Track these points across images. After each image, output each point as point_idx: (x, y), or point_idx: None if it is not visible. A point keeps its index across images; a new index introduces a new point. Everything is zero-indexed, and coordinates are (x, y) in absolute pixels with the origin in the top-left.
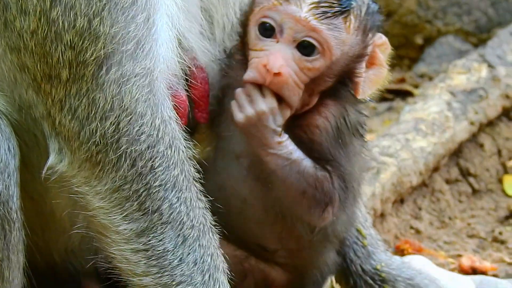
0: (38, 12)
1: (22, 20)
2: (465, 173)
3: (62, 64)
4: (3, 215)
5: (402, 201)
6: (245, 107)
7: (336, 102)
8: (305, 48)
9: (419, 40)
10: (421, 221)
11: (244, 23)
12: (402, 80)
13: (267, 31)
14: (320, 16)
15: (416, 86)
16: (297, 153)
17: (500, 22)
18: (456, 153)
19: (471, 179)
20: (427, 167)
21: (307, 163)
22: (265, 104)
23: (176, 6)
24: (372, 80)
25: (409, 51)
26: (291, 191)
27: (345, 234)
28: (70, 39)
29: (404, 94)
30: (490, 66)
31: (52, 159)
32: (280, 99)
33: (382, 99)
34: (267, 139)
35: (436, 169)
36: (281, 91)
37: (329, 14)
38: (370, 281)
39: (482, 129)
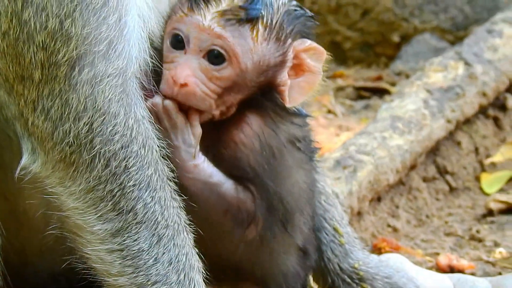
0: (9, 13)
1: None
2: (442, 171)
3: (34, 65)
4: None
5: (379, 199)
6: (159, 122)
7: (259, 114)
8: (211, 57)
9: (395, 38)
10: (398, 219)
11: (162, 38)
12: (379, 78)
13: (178, 43)
14: (224, 24)
15: (393, 84)
16: (216, 177)
17: (476, 20)
18: (433, 151)
19: (448, 177)
20: (404, 165)
21: (227, 185)
22: (170, 123)
23: (148, 7)
24: (303, 87)
25: (385, 49)
26: (213, 212)
27: (302, 242)
28: (42, 40)
29: (381, 92)
30: (467, 63)
31: (25, 159)
32: (195, 116)
33: (358, 97)
34: (182, 161)
35: (413, 167)
36: (189, 102)
37: (233, 22)
38: (348, 280)
39: (459, 127)
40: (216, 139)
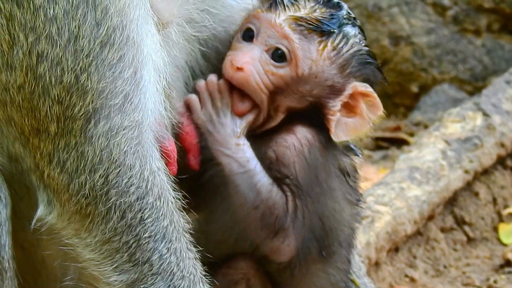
0: (24, 67)
1: (8, 74)
2: (460, 222)
3: (50, 119)
4: None
5: (396, 249)
6: (205, 102)
7: (311, 130)
8: (274, 54)
9: (414, 88)
10: (416, 269)
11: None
12: (398, 128)
13: (248, 36)
14: (295, 27)
15: (412, 135)
16: (254, 163)
17: (495, 71)
18: (451, 202)
19: (466, 228)
20: (422, 215)
21: (264, 179)
22: (221, 101)
23: (163, 61)
24: (349, 128)
25: (404, 99)
26: (244, 203)
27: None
28: (57, 94)
29: (400, 143)
30: (485, 114)
31: (41, 210)
32: (247, 105)
33: (377, 147)
34: (224, 137)
35: (431, 217)
36: (242, 87)
37: (304, 29)
38: None
39: (477, 177)
40: (263, 144)
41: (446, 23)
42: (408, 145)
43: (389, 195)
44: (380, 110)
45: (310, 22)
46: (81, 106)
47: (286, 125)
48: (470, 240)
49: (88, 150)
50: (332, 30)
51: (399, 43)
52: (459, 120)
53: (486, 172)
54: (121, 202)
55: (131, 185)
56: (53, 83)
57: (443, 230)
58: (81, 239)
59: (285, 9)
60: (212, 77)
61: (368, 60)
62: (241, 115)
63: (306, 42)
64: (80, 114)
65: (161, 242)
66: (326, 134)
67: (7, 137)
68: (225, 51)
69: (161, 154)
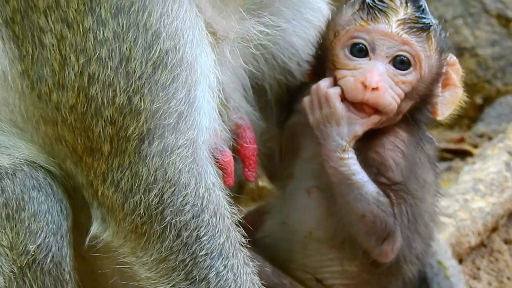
0: (76, 88)
1: (60, 94)
2: None
3: (103, 139)
4: (57, 276)
5: (460, 261)
6: (314, 108)
7: (406, 128)
8: (398, 63)
9: (478, 100)
10: (479, 281)
11: (326, 48)
12: (462, 140)
13: (358, 51)
14: (408, 31)
15: (476, 146)
16: (360, 175)
17: None
18: None
19: None
20: (486, 227)
21: (370, 187)
22: (329, 110)
23: (217, 80)
24: (448, 100)
25: (468, 111)
26: (351, 212)
27: (411, 272)
28: (110, 115)
29: (464, 154)
30: None
31: (95, 228)
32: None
33: (441, 158)
34: (329, 149)
35: (494, 229)
36: (378, 106)
37: (414, 30)
38: None
39: None
40: (366, 144)
41: (510, 35)
42: (472, 157)
43: (453, 206)
44: (460, 69)
45: (415, 21)
46: (135, 126)
47: (392, 128)
48: None
49: (142, 170)
50: (430, 23)
51: (463, 55)
52: None
53: None
54: (176, 221)
55: (186, 204)
56: (105, 104)
57: (507, 241)
58: (137, 258)
59: (388, 15)
60: (324, 83)
61: (443, 32)
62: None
63: (421, 41)
64: (134, 134)
65: (218, 259)
66: (417, 127)
67: (57, 154)
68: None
69: (217, 166)
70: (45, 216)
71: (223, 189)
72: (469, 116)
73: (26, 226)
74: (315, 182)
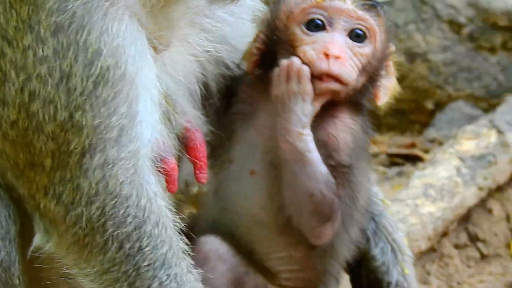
0: (17, 104)
1: (1, 109)
2: (474, 238)
3: (45, 154)
4: (6, 281)
5: None
6: (281, 82)
7: (358, 113)
8: (355, 36)
9: (429, 105)
10: (430, 286)
11: (280, 31)
12: (413, 145)
13: (315, 26)
14: (362, 8)
15: (426, 151)
16: (315, 154)
17: (510, 88)
18: (465, 218)
19: (480, 244)
20: (436, 232)
21: (322, 166)
22: (298, 86)
23: (159, 92)
24: (387, 88)
25: (419, 116)
26: (300, 190)
27: (348, 255)
28: (51, 131)
29: (414, 159)
30: (500, 132)
31: (38, 238)
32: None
33: (392, 164)
34: (289, 125)
35: (445, 234)
36: (341, 75)
37: (367, 6)
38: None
39: (491, 194)
40: (317, 125)
41: (461, 41)
42: (423, 162)
43: (404, 211)
44: (393, 57)
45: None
46: (77, 141)
47: (332, 108)
48: (483, 256)
49: (84, 183)
50: (378, 3)
51: (415, 60)
52: (474, 137)
53: (500, 189)
54: (118, 232)
55: (128, 215)
56: (46, 120)
57: (457, 246)
58: (80, 269)
59: None
60: (297, 59)
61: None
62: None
63: (373, 16)
64: (76, 149)
65: (161, 269)
66: (361, 114)
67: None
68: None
69: (162, 173)
70: None
71: (165, 198)
72: (420, 121)
73: None
74: (258, 163)
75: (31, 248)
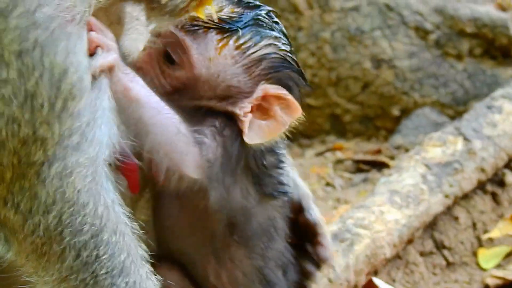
0: None
1: None
2: (440, 246)
3: (6, 167)
4: None
5: (376, 273)
6: None
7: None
8: (166, 55)
9: (395, 112)
10: None
11: None
12: (378, 152)
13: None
14: (188, 29)
15: (392, 158)
16: (142, 91)
17: (476, 95)
18: (431, 226)
19: (446, 252)
20: (401, 239)
21: (168, 114)
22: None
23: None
24: (262, 130)
25: (385, 122)
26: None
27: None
28: (13, 147)
29: (380, 166)
30: (466, 139)
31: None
32: None
33: (357, 170)
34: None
35: (410, 241)
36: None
37: (199, 28)
38: None
39: (457, 202)
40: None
41: (428, 47)
42: (389, 169)
43: (369, 218)
44: (297, 112)
45: (208, 21)
46: (39, 154)
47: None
48: (449, 264)
49: (41, 192)
50: (234, 29)
51: (381, 66)
52: (440, 144)
53: (466, 196)
54: (75, 241)
55: (85, 224)
56: (9, 137)
57: (422, 254)
58: (39, 277)
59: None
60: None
61: (283, 65)
62: None
63: (202, 41)
64: (37, 160)
65: (119, 277)
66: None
67: None
68: None
69: (122, 175)
70: None
71: (123, 205)
72: (386, 127)
73: None
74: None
75: None
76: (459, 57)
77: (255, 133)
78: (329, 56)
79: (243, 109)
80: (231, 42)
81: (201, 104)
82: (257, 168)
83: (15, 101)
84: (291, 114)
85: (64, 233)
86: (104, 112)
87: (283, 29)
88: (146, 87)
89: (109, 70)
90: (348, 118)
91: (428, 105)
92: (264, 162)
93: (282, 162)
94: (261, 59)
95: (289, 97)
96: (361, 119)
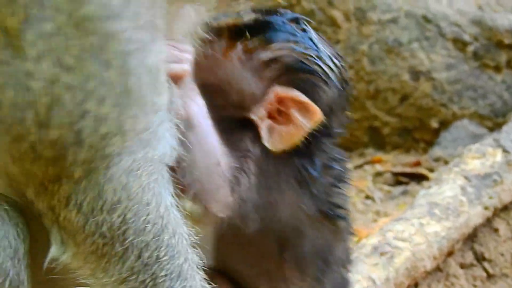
0: (65, 123)
1: (42, 133)
2: (480, 258)
3: (77, 164)
4: None
5: (416, 285)
6: None
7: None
8: None
9: (434, 124)
10: None
11: None
12: (417, 164)
13: None
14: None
15: (431, 170)
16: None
17: None
18: (471, 238)
19: (486, 264)
20: (441, 251)
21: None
22: None
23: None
24: (283, 136)
25: (424, 134)
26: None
27: None
28: (91, 142)
29: (419, 178)
30: (505, 151)
31: (54, 250)
32: None
33: (397, 182)
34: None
35: (450, 253)
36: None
37: (209, 35)
38: None
39: (497, 213)
40: None
41: (466, 59)
42: (428, 181)
43: (409, 230)
44: (317, 115)
45: (218, 29)
46: (114, 147)
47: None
48: (489, 276)
49: (108, 189)
50: (242, 32)
51: (419, 78)
52: (479, 156)
53: (505, 208)
54: (138, 241)
55: (148, 223)
56: (90, 134)
57: (462, 266)
58: (97, 279)
59: None
60: None
61: (300, 67)
62: None
63: (210, 47)
64: (113, 153)
65: (177, 281)
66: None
67: (17, 185)
68: None
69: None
70: (1, 242)
71: (179, 210)
72: (425, 139)
73: None
74: None
75: (47, 260)
76: (497, 68)
77: (276, 139)
78: (367, 69)
79: (258, 114)
80: (238, 45)
81: (222, 114)
82: (306, 181)
83: (109, 100)
84: (310, 117)
85: (127, 233)
86: (170, 114)
87: (313, 36)
88: (203, 109)
89: (178, 79)
90: (387, 131)
91: (466, 117)
92: (314, 174)
93: (341, 181)
94: (271, 60)
95: (305, 99)
96: (399, 131)
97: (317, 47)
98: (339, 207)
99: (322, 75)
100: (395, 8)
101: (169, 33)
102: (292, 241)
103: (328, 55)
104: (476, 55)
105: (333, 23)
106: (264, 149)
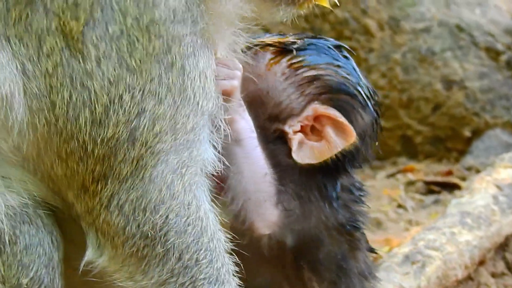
0: (120, 122)
1: (95, 131)
2: (511, 267)
3: (126, 161)
4: None
5: None
6: None
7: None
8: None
9: (466, 133)
10: None
11: None
12: (450, 173)
13: None
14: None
15: (464, 179)
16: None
17: None
18: (502, 247)
19: None
20: (473, 260)
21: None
22: None
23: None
24: (313, 152)
25: (456, 143)
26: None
27: None
28: (144, 139)
29: (451, 187)
30: None
31: (90, 253)
32: None
33: (429, 191)
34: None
35: (482, 262)
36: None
37: (254, 50)
38: None
39: None
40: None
41: (499, 68)
42: (460, 190)
43: (440, 239)
44: (351, 136)
45: (265, 44)
46: (165, 143)
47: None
48: None
49: (152, 188)
50: (289, 49)
51: (452, 87)
52: (511, 165)
53: None
54: (179, 242)
55: (188, 225)
56: (145, 132)
57: (494, 275)
58: (135, 282)
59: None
60: None
61: (341, 88)
62: None
63: (256, 59)
64: (161, 150)
65: (215, 285)
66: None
67: (58, 188)
68: None
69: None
70: (36, 249)
71: (217, 214)
72: (457, 149)
73: (18, 259)
74: None
75: (82, 264)
76: None
77: (305, 153)
78: (400, 78)
79: (293, 128)
80: (283, 60)
81: (257, 124)
82: (327, 196)
83: (166, 100)
84: (344, 138)
85: (169, 234)
86: (211, 123)
87: (354, 65)
88: (251, 126)
89: (227, 95)
90: (419, 140)
91: (499, 126)
92: (333, 194)
93: (360, 196)
94: (314, 78)
95: (342, 119)
96: (432, 140)
97: (358, 74)
98: (356, 220)
99: (361, 101)
100: (428, 17)
101: (219, 48)
102: (309, 245)
103: (366, 85)
104: (509, 64)
105: (367, 32)
106: (293, 161)
